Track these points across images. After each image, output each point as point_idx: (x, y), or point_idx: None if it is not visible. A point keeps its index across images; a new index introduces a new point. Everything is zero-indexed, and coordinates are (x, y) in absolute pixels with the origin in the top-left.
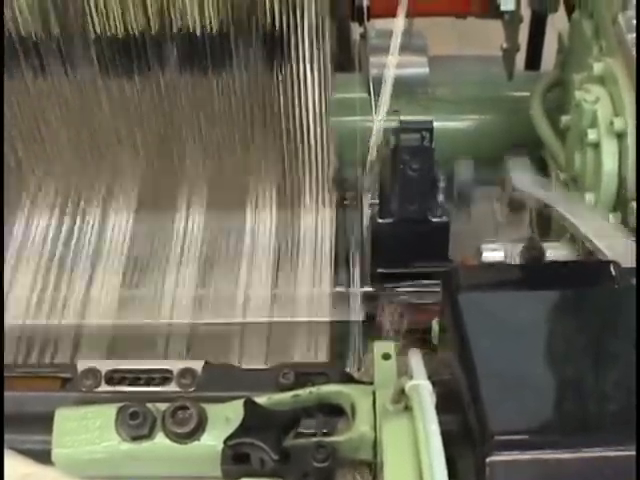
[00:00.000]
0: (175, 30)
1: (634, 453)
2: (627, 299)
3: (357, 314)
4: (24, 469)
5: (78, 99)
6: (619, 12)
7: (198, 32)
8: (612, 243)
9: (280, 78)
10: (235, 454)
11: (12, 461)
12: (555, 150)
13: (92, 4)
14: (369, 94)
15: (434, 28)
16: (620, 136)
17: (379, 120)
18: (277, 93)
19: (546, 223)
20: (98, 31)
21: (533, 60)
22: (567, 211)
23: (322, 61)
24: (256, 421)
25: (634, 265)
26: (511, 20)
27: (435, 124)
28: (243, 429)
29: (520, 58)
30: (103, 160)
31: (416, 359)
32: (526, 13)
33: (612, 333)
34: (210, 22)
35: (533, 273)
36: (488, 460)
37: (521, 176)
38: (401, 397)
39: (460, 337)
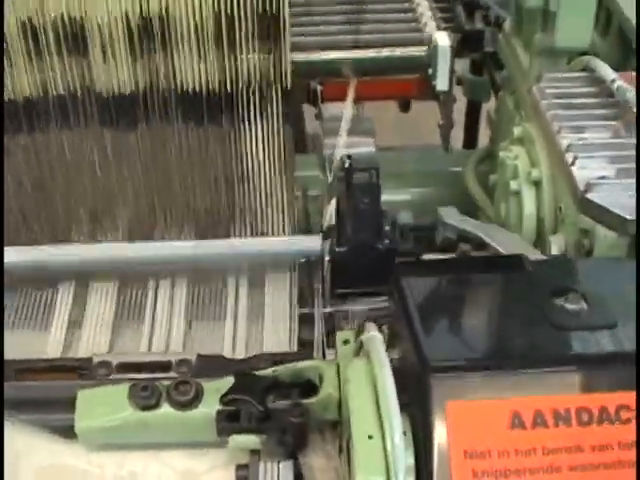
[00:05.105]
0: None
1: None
2: (536, 277)
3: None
4: (44, 458)
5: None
6: (533, 84)
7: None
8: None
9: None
10: (228, 413)
11: (38, 445)
12: (486, 206)
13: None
14: (323, 172)
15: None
16: (537, 184)
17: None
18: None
19: None
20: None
21: (470, 141)
22: (486, 234)
23: (280, 126)
24: (244, 384)
25: None
26: (445, 99)
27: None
28: (235, 389)
29: (459, 140)
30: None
31: (371, 324)
32: (464, 100)
33: (522, 298)
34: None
35: (460, 264)
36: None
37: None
38: (360, 351)
39: (403, 304)
